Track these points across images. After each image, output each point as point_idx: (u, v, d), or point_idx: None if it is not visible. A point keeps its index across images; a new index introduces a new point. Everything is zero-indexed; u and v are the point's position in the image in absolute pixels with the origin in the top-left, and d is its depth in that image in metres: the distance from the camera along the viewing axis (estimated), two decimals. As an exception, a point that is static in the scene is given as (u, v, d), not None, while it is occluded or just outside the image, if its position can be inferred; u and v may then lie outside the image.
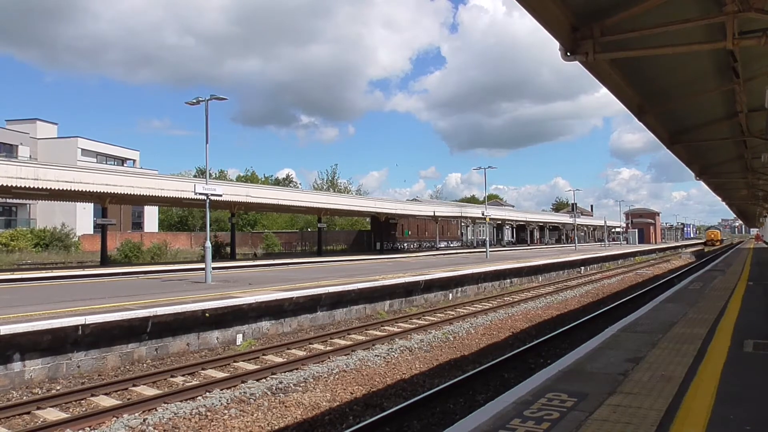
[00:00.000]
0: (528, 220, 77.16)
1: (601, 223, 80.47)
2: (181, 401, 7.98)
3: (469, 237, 72.25)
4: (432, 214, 51.67)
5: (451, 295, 20.11)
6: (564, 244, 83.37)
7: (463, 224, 68.83)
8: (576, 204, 65.43)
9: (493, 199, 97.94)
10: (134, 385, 8.82)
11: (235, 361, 10.42)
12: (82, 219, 48.55)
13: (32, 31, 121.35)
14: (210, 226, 18.90)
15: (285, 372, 9.62)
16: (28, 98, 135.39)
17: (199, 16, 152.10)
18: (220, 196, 19.61)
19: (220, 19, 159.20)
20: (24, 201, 44.65)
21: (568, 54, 8.64)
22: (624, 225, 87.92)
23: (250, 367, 10.10)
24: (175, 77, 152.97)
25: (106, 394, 8.40)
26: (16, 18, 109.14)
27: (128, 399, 8.22)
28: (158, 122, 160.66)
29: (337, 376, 9.38)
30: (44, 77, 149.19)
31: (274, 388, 8.61)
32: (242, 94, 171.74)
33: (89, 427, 7.12)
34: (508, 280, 24.74)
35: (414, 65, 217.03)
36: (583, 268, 34.82)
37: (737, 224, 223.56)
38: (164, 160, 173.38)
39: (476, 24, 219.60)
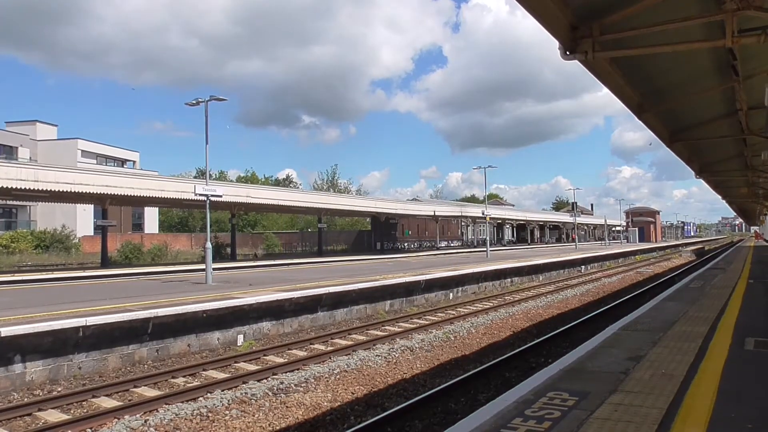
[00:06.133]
0: (528, 219, 77.17)
1: (602, 221, 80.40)
2: (182, 402, 7.98)
3: (470, 236, 72.31)
4: (432, 213, 51.68)
5: (451, 294, 20.11)
6: (564, 243, 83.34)
7: (463, 224, 68.86)
8: (576, 203, 65.35)
9: (494, 199, 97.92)
10: (135, 387, 8.83)
11: (236, 362, 10.43)
12: (83, 220, 48.56)
13: (35, 34, 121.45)
14: (210, 227, 18.90)
15: (286, 372, 9.63)
16: (29, 100, 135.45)
17: (202, 17, 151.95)
18: (220, 197, 19.61)
19: (223, 20, 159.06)
20: (24, 203, 44.68)
21: (568, 53, 8.61)
22: (624, 224, 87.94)
23: (251, 367, 10.10)
24: (178, 79, 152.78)
25: (107, 395, 8.41)
26: (19, 21, 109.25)
27: (129, 400, 8.23)
28: (160, 124, 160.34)
29: (338, 377, 9.38)
30: (46, 79, 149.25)
31: (275, 388, 8.61)
32: (245, 96, 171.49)
33: (90, 428, 7.13)
34: (509, 280, 24.74)
35: (416, 64, 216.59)
36: (583, 266, 34.83)
37: (737, 222, 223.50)
38: (165, 161, 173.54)
39: (479, 23, 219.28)
